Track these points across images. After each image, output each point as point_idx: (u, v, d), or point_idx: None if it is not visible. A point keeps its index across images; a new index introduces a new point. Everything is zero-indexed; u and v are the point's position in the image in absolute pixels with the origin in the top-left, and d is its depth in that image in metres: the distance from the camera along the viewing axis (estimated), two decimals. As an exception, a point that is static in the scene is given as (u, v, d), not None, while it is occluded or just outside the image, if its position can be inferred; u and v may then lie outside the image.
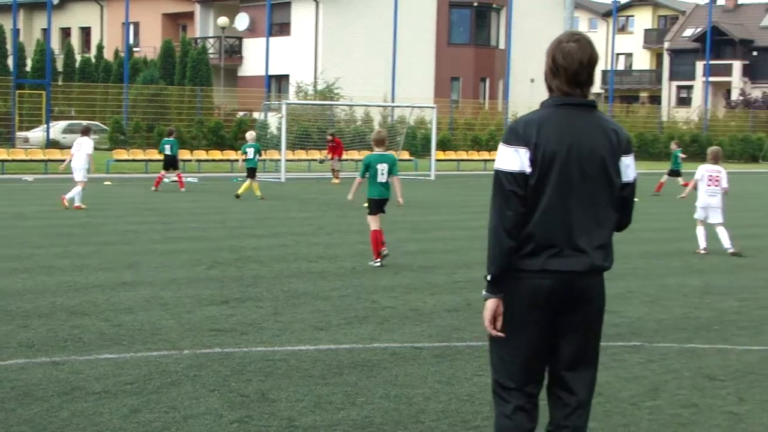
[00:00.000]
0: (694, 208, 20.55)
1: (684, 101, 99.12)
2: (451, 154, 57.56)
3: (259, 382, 9.32)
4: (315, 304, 13.41)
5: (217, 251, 18.70)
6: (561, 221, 5.76)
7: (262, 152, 34.03)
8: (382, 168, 17.15)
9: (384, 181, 17.22)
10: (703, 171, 20.24)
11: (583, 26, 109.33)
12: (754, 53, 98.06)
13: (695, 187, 20.53)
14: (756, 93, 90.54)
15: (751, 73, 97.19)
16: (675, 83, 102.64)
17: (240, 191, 31.77)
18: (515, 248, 5.76)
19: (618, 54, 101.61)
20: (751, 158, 74.54)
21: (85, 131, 28.77)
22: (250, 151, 32.76)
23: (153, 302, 13.34)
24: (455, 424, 8.12)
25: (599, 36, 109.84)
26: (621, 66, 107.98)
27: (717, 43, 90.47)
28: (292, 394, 8.94)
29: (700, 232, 20.33)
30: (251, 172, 32.43)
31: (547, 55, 5.95)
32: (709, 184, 20.13)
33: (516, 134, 5.78)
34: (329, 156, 43.18)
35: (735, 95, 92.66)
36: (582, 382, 5.99)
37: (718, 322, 12.85)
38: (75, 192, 26.83)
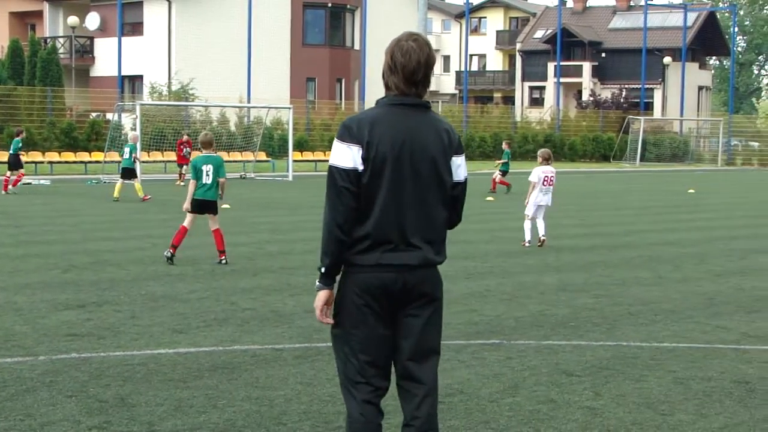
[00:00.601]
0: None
1: (537, 101, 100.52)
2: (309, 155, 57.57)
3: (118, 387, 9.19)
4: (173, 307, 13.27)
5: (73, 254, 18.40)
6: (395, 219, 5.92)
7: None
8: (207, 169, 17.26)
9: (209, 182, 17.29)
10: (539, 173, 20.95)
11: (436, 27, 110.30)
12: (603, 55, 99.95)
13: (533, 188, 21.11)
14: (605, 93, 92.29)
15: (600, 74, 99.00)
16: (528, 84, 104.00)
17: (116, 194, 31.60)
18: (348, 243, 5.92)
19: (471, 55, 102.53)
20: (602, 157, 76.01)
21: None
22: (126, 151, 32.23)
23: (6, 307, 13.05)
24: (317, 425, 8.12)
25: (452, 37, 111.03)
26: (475, 67, 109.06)
27: (567, 44, 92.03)
28: (152, 399, 8.83)
29: (527, 226, 21.17)
30: (127, 173, 31.96)
31: (386, 54, 6.08)
32: (544, 183, 20.95)
33: (350, 131, 5.92)
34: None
35: (585, 96, 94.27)
36: (427, 371, 6.09)
37: (573, 318, 13.06)
38: None
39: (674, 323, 12.88)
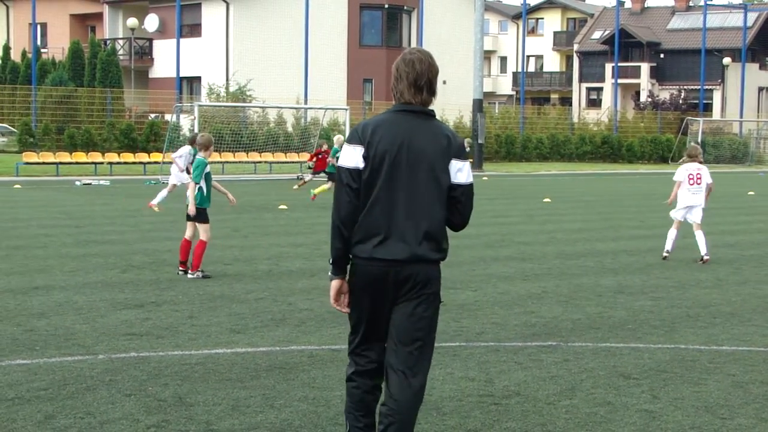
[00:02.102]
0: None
1: (594, 103, 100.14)
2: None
3: (176, 386, 9.25)
4: (231, 307, 13.34)
5: (132, 254, 18.54)
6: (387, 214, 6.42)
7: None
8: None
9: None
10: (683, 170, 19.31)
11: (493, 28, 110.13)
12: (662, 56, 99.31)
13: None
14: (664, 95, 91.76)
15: (658, 75, 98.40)
16: (585, 85, 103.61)
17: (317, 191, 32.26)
18: (349, 236, 6.54)
19: (528, 56, 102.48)
20: (660, 159, 75.52)
21: None
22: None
23: (66, 307, 13.18)
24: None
25: (509, 38, 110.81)
26: (532, 68, 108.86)
27: (625, 45, 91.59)
28: (210, 398, 8.88)
29: (671, 235, 19.51)
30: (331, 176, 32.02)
31: (393, 68, 6.69)
32: (690, 182, 19.22)
33: (356, 134, 6.53)
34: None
35: (643, 97, 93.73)
36: (408, 359, 6.55)
37: (631, 321, 12.99)
38: None
39: (734, 327, 12.78)
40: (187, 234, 16.34)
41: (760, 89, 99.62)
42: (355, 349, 6.77)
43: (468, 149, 29.24)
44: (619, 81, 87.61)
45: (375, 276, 6.49)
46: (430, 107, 6.67)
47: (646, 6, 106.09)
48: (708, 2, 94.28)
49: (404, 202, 6.45)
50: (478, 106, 41.57)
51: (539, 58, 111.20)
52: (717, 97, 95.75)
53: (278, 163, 53.71)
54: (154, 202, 28.30)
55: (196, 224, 16.05)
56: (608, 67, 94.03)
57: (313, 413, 8.50)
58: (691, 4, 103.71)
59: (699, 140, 73.53)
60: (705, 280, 16.75)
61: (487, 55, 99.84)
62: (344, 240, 6.54)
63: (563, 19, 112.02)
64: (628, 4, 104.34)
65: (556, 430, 8.19)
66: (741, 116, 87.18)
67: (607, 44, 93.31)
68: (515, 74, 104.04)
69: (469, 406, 8.63)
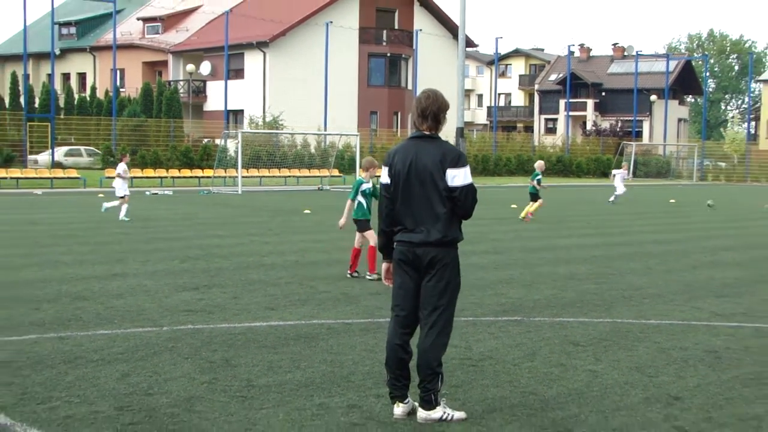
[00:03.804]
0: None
1: (551, 130, 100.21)
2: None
3: (223, 352, 9.23)
4: (266, 290, 13.32)
5: (188, 248, 18.53)
6: (408, 212, 6.91)
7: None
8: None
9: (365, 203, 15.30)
10: None
11: (472, 72, 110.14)
12: (603, 93, 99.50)
13: None
14: (605, 124, 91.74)
15: (601, 108, 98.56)
16: (544, 116, 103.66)
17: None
18: (389, 231, 7.07)
19: (499, 93, 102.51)
20: (602, 174, 75.41)
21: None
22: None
23: (138, 289, 13.17)
24: (378, 383, 8.09)
25: (485, 80, 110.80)
26: (502, 103, 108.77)
27: (575, 85, 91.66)
28: (250, 361, 8.86)
29: None
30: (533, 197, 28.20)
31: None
32: None
33: (385, 158, 7.10)
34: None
35: (589, 126, 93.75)
36: (429, 318, 6.92)
37: (579, 300, 12.96)
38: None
39: (659, 305, 12.75)
40: (356, 243, 15.15)
41: (679, 120, 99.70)
42: (394, 310, 7.09)
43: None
44: (570, 113, 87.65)
45: (402, 254, 6.96)
46: (438, 132, 7.02)
47: (591, 55, 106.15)
48: (639, 52, 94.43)
49: (417, 203, 6.87)
50: (460, 132, 41.49)
51: (508, 95, 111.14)
52: (646, 126, 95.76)
53: (303, 177, 53.75)
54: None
55: (363, 233, 15.02)
56: (562, 103, 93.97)
57: (330, 372, 8.48)
58: (626, 53, 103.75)
59: (632, 160, 73.55)
60: (637, 269, 16.72)
61: (467, 93, 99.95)
62: (385, 233, 7.10)
63: (527, 64, 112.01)
64: (577, 53, 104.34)
65: (520, 386, 8.16)
66: (665, 141, 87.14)
67: (561, 84, 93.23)
68: (489, 108, 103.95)
69: (452, 367, 8.60)
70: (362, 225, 15.08)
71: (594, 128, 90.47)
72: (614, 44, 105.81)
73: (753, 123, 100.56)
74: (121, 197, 25.72)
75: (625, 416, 7.31)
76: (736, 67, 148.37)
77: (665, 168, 79.60)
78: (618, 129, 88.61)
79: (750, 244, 21.99)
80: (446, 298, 6.93)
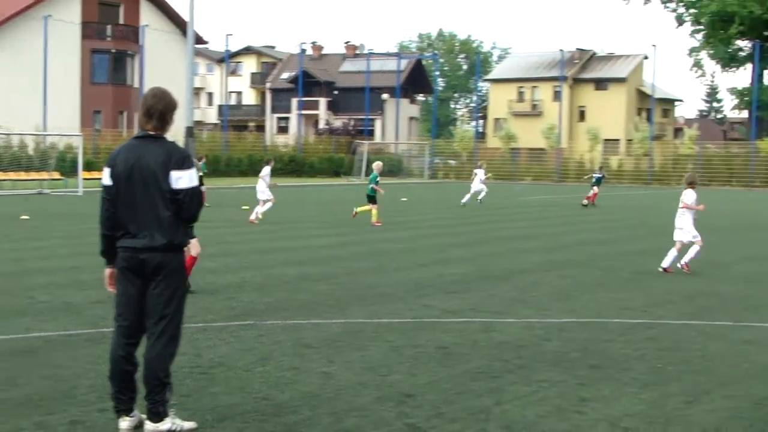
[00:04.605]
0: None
1: (283, 129, 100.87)
2: (96, 174, 55.79)
3: (-70, 371, 8.69)
4: (-21, 302, 12.64)
5: None
6: (131, 215, 6.76)
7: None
8: None
9: None
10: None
11: (202, 70, 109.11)
12: (336, 92, 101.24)
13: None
14: (338, 123, 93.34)
15: (333, 107, 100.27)
16: (276, 115, 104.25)
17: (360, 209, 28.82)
18: (110, 235, 6.91)
19: (230, 92, 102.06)
20: (334, 173, 76.65)
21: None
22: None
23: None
24: (103, 396, 7.80)
25: (215, 78, 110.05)
26: (233, 101, 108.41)
27: (307, 84, 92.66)
28: (-40, 380, 8.40)
29: (672, 253, 17.36)
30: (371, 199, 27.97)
31: None
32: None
33: (108, 159, 6.93)
34: None
35: (322, 125, 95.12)
36: (155, 327, 6.79)
37: (312, 302, 13.10)
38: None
39: (391, 303, 13.11)
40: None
41: (411, 118, 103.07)
42: (117, 319, 6.94)
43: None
44: (303, 112, 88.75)
45: (125, 261, 6.81)
46: (164, 132, 6.89)
47: (323, 53, 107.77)
48: (371, 51, 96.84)
49: (141, 205, 6.73)
50: (190, 132, 41.01)
51: (239, 93, 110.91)
52: (378, 124, 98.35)
53: (21, 180, 51.41)
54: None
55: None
56: (294, 101, 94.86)
57: (50, 388, 8.16)
58: (357, 52, 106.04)
59: (364, 159, 75.16)
60: (369, 268, 17.10)
61: (197, 91, 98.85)
62: (105, 237, 6.96)
63: (258, 62, 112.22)
64: (309, 51, 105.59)
65: (252, 392, 8.16)
66: (396, 139, 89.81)
67: (293, 83, 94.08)
68: (220, 106, 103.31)
69: (181, 376, 8.48)
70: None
71: (327, 127, 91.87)
72: (347, 42, 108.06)
73: (481, 121, 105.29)
74: None
75: (358, 416, 7.47)
76: (465, 67, 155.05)
77: (397, 166, 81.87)
78: (350, 128, 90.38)
79: (476, 241, 23.00)
80: (173, 305, 6.83)
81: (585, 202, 39.36)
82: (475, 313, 12.48)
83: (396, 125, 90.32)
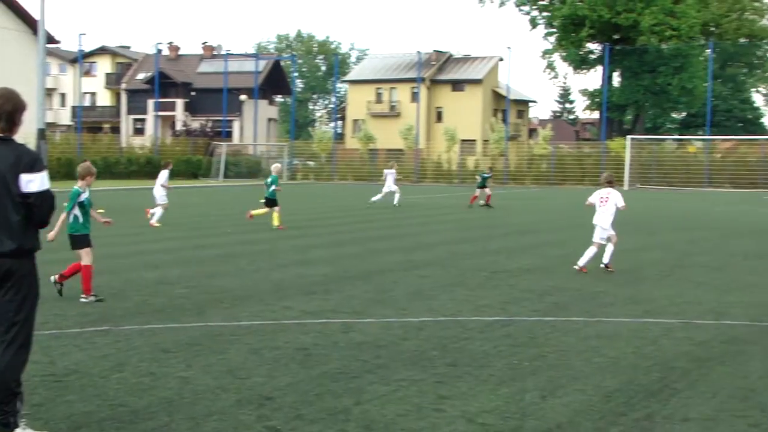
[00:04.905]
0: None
1: (139, 131, 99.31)
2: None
3: None
4: None
5: None
6: None
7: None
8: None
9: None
10: (596, 194, 17.68)
11: (54, 70, 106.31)
12: (193, 93, 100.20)
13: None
14: (195, 124, 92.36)
15: (191, 108, 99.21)
16: (132, 117, 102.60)
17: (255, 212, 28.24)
18: None
19: (84, 93, 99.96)
20: (192, 175, 75.79)
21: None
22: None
23: None
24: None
25: (68, 78, 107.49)
26: (87, 103, 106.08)
27: (163, 85, 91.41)
28: None
29: (589, 252, 17.49)
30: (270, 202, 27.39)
31: None
32: (601, 204, 17.56)
33: None
34: None
35: (179, 126, 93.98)
36: (6, 335, 6.58)
37: (170, 306, 12.93)
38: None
39: (251, 306, 13.03)
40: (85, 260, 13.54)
41: (269, 119, 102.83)
42: None
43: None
44: (160, 113, 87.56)
45: None
46: (13, 134, 6.63)
47: (180, 53, 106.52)
48: (228, 52, 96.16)
49: None
50: (41, 134, 39.95)
51: (93, 94, 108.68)
52: (237, 126, 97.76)
53: None
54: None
55: (78, 251, 13.54)
56: (150, 102, 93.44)
57: None
58: (215, 52, 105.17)
59: (222, 160, 74.53)
60: (228, 271, 16.95)
61: (49, 92, 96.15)
62: None
63: (113, 63, 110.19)
64: (166, 51, 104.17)
65: (109, 399, 8.00)
66: (255, 141, 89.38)
67: (150, 84, 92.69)
68: (74, 108, 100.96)
69: (33, 385, 8.25)
70: (77, 241, 13.63)
71: (184, 128, 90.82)
72: (204, 43, 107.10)
73: (340, 122, 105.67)
74: None
75: (218, 421, 7.41)
76: (323, 68, 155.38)
77: (256, 168, 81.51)
78: (208, 129, 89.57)
79: (337, 242, 23.07)
80: (24, 312, 6.64)
81: (481, 203, 39.31)
82: (335, 313, 12.51)
83: (254, 126, 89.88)
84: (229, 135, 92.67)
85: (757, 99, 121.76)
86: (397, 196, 39.40)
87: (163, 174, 28.78)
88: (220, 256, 19.36)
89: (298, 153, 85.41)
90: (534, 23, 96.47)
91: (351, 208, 39.17)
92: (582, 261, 17.40)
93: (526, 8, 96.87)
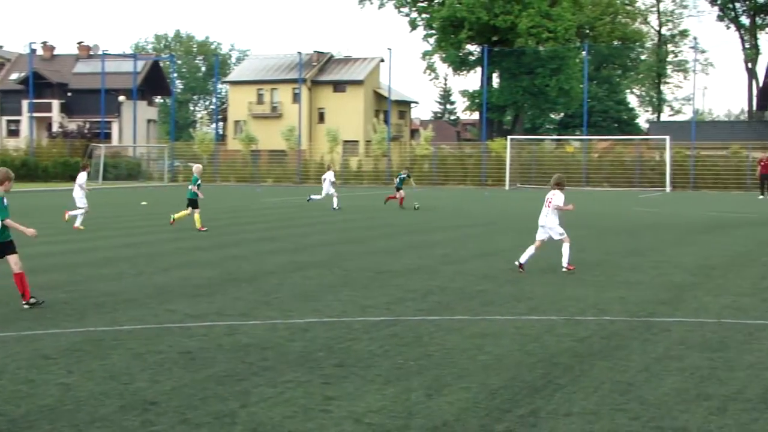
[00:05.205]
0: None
1: (14, 133, 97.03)
2: None
3: None
4: None
5: None
6: None
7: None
8: None
9: None
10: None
11: None
12: (69, 94, 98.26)
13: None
14: (72, 126, 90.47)
15: (67, 109, 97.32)
16: (5, 118, 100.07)
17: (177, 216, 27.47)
18: None
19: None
20: (70, 178, 74.00)
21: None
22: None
23: None
24: None
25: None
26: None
27: (38, 85, 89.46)
28: None
29: (530, 251, 17.63)
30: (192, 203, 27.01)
31: None
32: (546, 205, 17.72)
33: None
34: None
35: (55, 127, 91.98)
36: None
37: (50, 311, 12.60)
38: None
39: (133, 310, 12.84)
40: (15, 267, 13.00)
41: (149, 121, 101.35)
42: None
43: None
44: (35, 115, 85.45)
45: None
46: None
47: (55, 53, 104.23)
48: (105, 52, 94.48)
49: None
50: None
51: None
52: (115, 127, 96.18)
53: None
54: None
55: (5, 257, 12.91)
56: (25, 103, 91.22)
57: None
58: (92, 52, 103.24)
59: (101, 162, 73.17)
60: (109, 275, 16.67)
61: None
62: None
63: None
64: (40, 51, 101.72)
65: (-15, 408, 7.79)
66: (134, 142, 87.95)
67: (24, 84, 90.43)
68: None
69: None
70: (6, 248, 12.96)
71: (61, 130, 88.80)
72: (80, 43, 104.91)
73: (221, 123, 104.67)
74: None
75: (101, 427, 7.28)
76: (203, 69, 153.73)
77: (136, 170, 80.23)
78: (86, 131, 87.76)
79: (222, 244, 22.86)
80: None
81: (402, 205, 39.05)
82: (220, 316, 12.41)
83: (134, 128, 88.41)
84: (107, 136, 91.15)
85: (632, 100, 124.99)
86: (335, 200, 38.88)
87: (82, 176, 28.49)
88: (102, 260, 18.99)
89: (179, 154, 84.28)
90: (414, 25, 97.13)
91: (235, 209, 38.84)
92: (523, 258, 17.57)
93: (406, 10, 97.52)
